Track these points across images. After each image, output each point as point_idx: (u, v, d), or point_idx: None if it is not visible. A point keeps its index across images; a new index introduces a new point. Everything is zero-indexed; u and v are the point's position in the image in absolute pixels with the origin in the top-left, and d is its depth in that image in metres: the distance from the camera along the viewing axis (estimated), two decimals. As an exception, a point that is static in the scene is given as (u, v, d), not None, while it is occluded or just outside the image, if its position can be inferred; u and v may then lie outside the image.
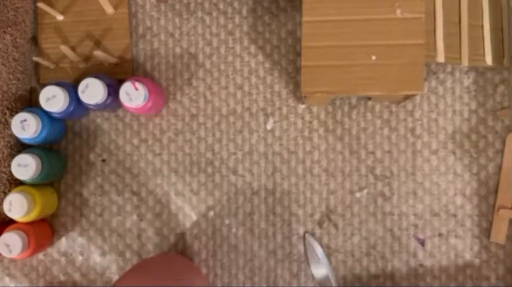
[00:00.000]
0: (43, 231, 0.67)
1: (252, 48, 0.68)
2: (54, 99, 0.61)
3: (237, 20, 0.68)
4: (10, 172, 0.63)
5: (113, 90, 0.63)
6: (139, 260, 0.67)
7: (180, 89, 0.69)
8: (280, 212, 0.67)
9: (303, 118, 0.67)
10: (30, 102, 0.69)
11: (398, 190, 0.66)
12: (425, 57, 0.57)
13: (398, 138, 0.67)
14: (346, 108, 0.67)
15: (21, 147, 0.66)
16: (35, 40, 0.69)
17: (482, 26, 0.63)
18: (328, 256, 0.66)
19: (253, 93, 0.68)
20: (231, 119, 0.68)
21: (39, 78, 0.69)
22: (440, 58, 0.61)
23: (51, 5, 0.67)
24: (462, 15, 0.62)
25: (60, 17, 0.68)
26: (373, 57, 0.57)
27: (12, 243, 0.61)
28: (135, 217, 0.68)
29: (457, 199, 0.66)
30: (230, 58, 0.68)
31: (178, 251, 0.68)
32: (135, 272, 0.59)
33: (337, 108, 0.67)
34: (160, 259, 0.65)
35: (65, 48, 0.63)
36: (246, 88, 0.68)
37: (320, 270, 0.65)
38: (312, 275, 0.66)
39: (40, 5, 0.66)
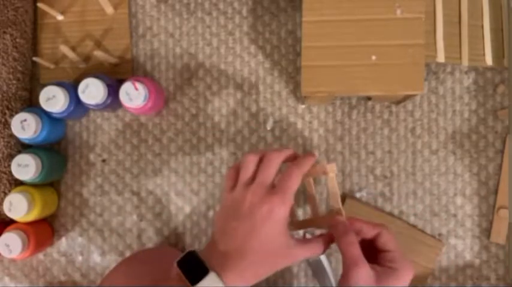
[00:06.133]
0: (43, 231, 0.67)
1: (252, 48, 0.68)
2: (54, 99, 0.61)
3: (237, 20, 0.68)
4: (10, 172, 0.63)
5: (113, 90, 0.63)
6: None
7: (180, 89, 0.69)
8: (280, 212, 0.67)
9: (303, 118, 0.67)
10: (30, 102, 0.69)
11: (398, 190, 0.66)
12: (425, 57, 0.57)
13: (399, 138, 0.67)
14: (346, 108, 0.67)
15: (21, 147, 0.66)
16: (35, 40, 0.69)
17: (482, 26, 0.63)
18: (328, 256, 0.66)
19: (253, 93, 0.68)
20: (231, 119, 0.68)
21: (39, 78, 0.69)
22: (440, 58, 0.61)
23: (51, 5, 0.67)
24: (462, 15, 0.62)
25: (60, 17, 0.68)
26: (373, 57, 0.57)
27: (12, 243, 0.61)
28: (135, 217, 0.68)
29: (457, 199, 0.66)
30: (230, 58, 0.68)
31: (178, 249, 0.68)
32: (125, 262, 0.60)
33: (337, 108, 0.67)
34: (152, 250, 0.66)
35: (65, 48, 0.63)
36: (246, 88, 0.68)
37: (320, 270, 0.65)
38: (312, 275, 0.66)
39: (40, 5, 0.66)
